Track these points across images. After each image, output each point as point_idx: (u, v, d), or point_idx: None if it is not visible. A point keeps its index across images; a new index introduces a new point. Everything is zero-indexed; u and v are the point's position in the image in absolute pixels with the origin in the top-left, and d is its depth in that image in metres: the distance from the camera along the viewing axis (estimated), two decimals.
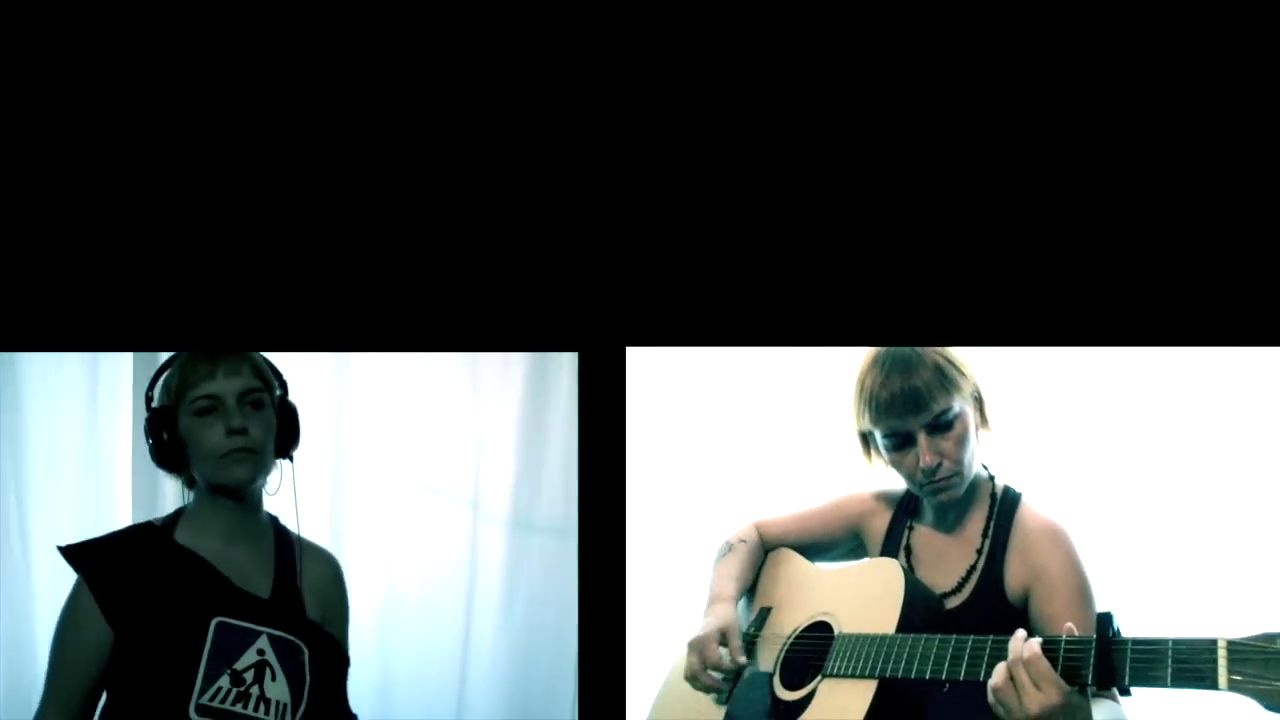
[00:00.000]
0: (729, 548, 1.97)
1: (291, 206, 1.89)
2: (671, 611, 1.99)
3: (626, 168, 1.89)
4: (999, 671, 1.50)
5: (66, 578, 1.66)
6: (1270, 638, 1.32)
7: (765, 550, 1.99)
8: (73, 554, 1.69)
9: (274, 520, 1.78)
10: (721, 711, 1.86)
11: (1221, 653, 1.33)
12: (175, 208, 1.89)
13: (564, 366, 1.90)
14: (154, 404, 1.73)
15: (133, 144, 1.88)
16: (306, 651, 1.70)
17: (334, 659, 1.76)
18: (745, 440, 2.08)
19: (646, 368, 1.89)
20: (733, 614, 1.87)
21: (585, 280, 1.89)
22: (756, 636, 1.90)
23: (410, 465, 1.96)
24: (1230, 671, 1.32)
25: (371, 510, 1.86)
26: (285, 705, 1.67)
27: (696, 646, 1.84)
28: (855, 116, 1.88)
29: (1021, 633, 1.52)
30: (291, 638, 1.70)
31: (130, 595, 1.66)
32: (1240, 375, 1.84)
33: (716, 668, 1.82)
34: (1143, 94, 1.86)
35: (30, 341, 1.88)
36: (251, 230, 1.89)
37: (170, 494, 1.83)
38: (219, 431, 1.67)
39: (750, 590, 1.97)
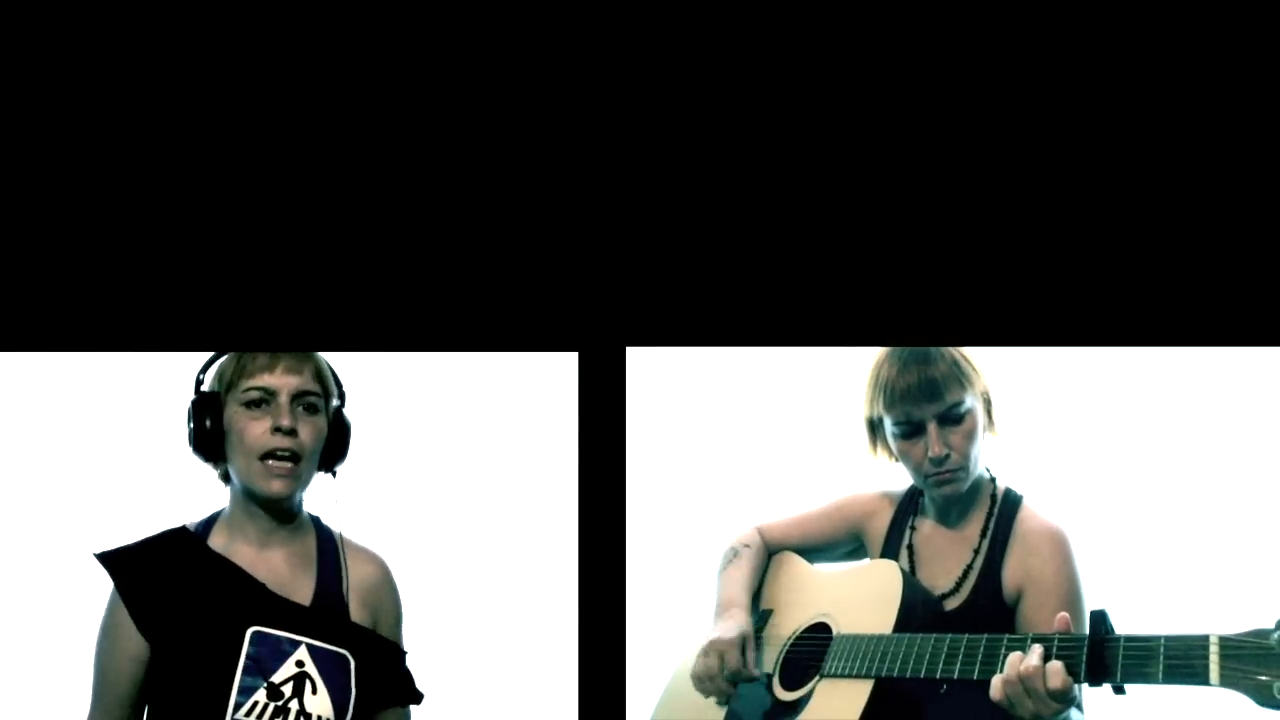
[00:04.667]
0: (734, 553, 1.97)
1: (291, 206, 1.89)
2: (671, 611, 1.99)
3: (626, 167, 1.89)
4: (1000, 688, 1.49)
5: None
6: (1262, 633, 1.31)
7: (769, 554, 1.99)
8: (107, 560, 1.64)
9: (315, 521, 1.73)
10: (722, 712, 1.86)
11: (1213, 649, 1.33)
12: (171, 206, 1.89)
13: (564, 366, 1.89)
14: (203, 388, 1.66)
15: (129, 144, 1.89)
16: (353, 662, 1.64)
17: (387, 666, 1.70)
18: (746, 440, 2.08)
19: (646, 368, 1.89)
20: (749, 623, 1.86)
21: (585, 280, 1.89)
22: (759, 639, 1.90)
23: (408, 465, 1.96)
24: (1222, 667, 1.32)
25: (367, 510, 1.85)
26: None
27: (718, 650, 1.80)
28: (857, 116, 1.88)
29: (1016, 655, 1.50)
30: (336, 648, 1.63)
31: (163, 605, 1.61)
32: (1240, 375, 1.84)
33: (734, 675, 1.79)
34: (1143, 94, 1.86)
35: (31, 341, 1.89)
36: (249, 230, 1.90)
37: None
38: (265, 427, 1.61)
39: (756, 595, 1.96)
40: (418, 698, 1.75)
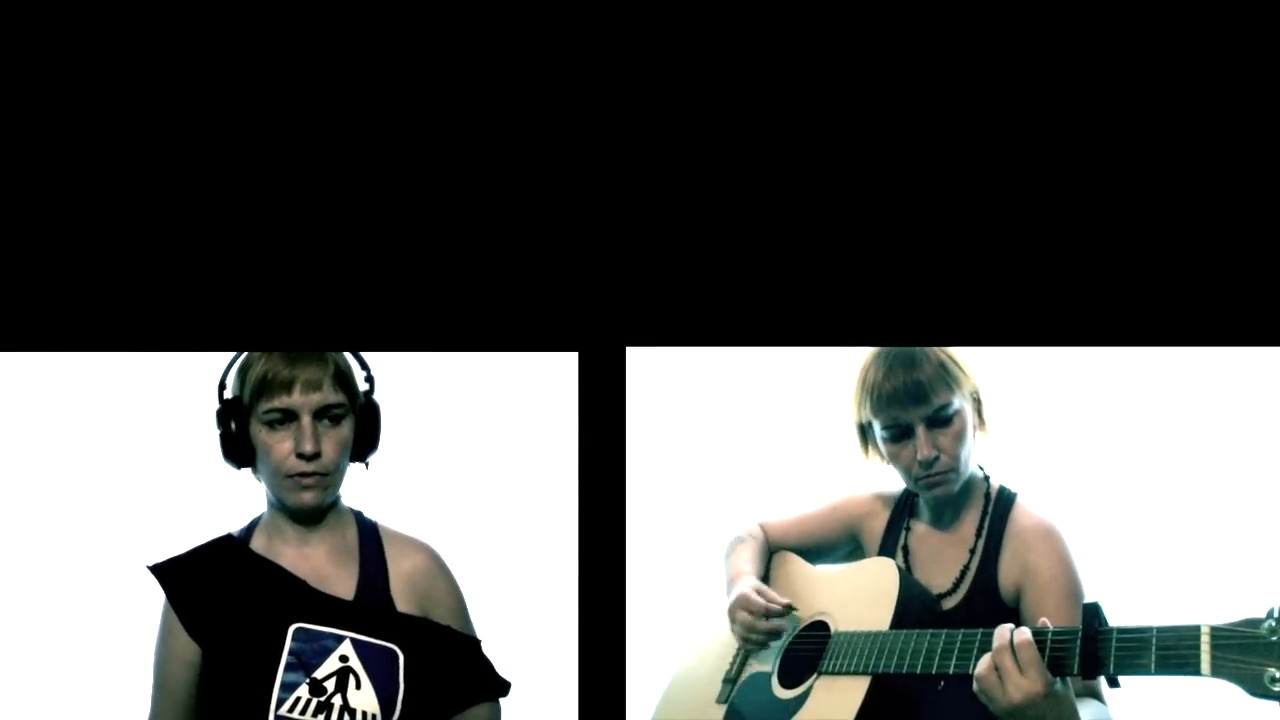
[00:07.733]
0: (740, 540, 1.98)
1: (291, 206, 1.91)
2: (671, 611, 1.99)
3: (626, 167, 1.90)
4: (984, 661, 1.50)
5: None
6: (1253, 623, 1.32)
7: (770, 550, 2.00)
8: (158, 571, 1.67)
9: (356, 515, 1.75)
10: (722, 711, 1.86)
11: (1205, 639, 1.34)
12: (172, 206, 1.91)
13: (564, 366, 1.90)
14: (226, 394, 1.67)
15: (129, 144, 1.90)
16: (402, 656, 1.64)
17: (453, 657, 1.71)
18: (746, 440, 2.08)
19: (646, 368, 1.90)
20: (757, 581, 1.88)
21: (585, 280, 1.90)
22: None
23: (408, 465, 1.97)
24: (1214, 657, 1.33)
25: (366, 510, 1.86)
26: (373, 716, 1.61)
27: (741, 604, 1.83)
28: (855, 116, 1.89)
29: (1007, 625, 1.52)
30: (381, 642, 1.64)
31: (211, 610, 1.64)
32: (1240, 375, 1.84)
33: (768, 614, 1.81)
34: (1143, 94, 1.86)
35: (33, 341, 1.90)
36: (250, 230, 1.91)
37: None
38: (288, 448, 1.62)
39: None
40: (501, 689, 1.75)
